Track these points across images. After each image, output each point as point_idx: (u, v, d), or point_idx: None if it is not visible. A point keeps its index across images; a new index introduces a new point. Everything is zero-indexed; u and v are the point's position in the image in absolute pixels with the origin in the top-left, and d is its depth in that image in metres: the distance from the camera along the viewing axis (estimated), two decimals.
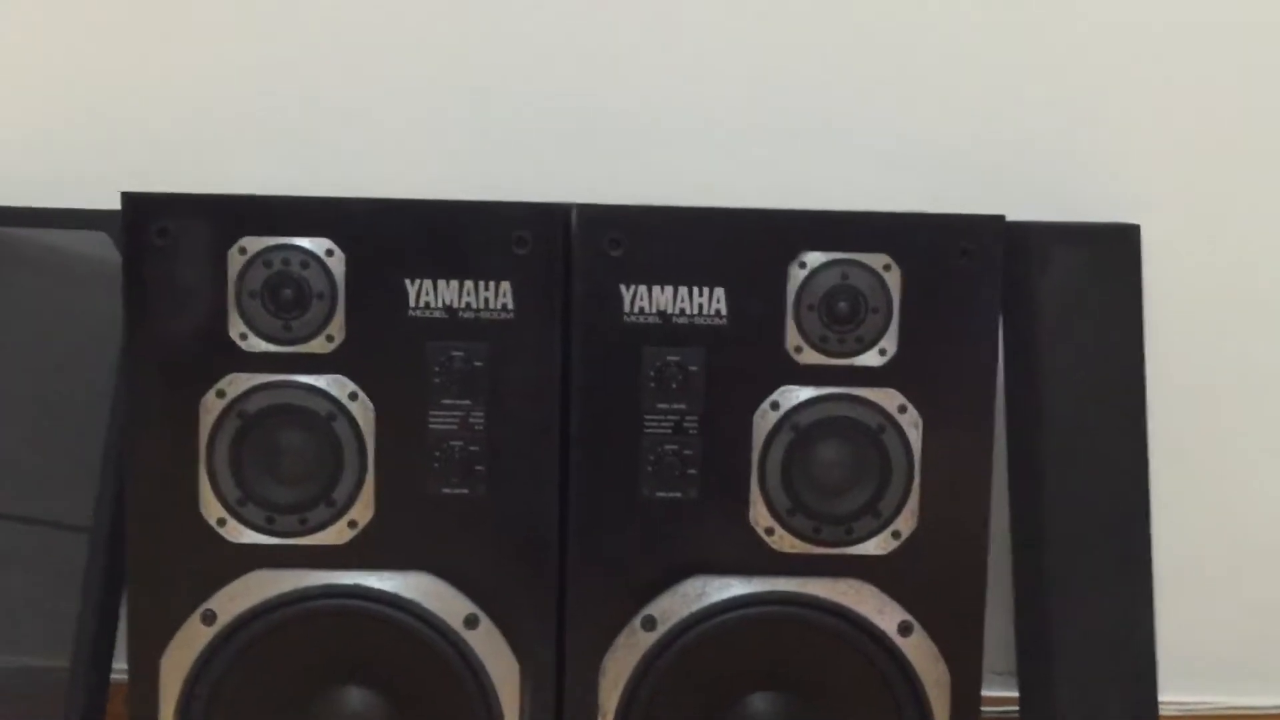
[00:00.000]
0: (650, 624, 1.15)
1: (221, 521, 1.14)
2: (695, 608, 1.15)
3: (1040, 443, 1.19)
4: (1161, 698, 1.42)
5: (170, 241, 1.12)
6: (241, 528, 1.14)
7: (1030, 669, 1.21)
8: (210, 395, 1.13)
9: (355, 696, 1.17)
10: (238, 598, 1.14)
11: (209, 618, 1.14)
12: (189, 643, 1.14)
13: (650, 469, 1.15)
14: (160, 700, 1.14)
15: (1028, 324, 1.18)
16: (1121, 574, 1.34)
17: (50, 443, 1.26)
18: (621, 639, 1.15)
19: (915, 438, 1.15)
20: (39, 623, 1.24)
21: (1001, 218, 1.15)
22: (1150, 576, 1.39)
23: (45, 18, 1.38)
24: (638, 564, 1.15)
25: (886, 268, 1.14)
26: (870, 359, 1.14)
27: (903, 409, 1.15)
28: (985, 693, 1.21)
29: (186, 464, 1.14)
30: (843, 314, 1.14)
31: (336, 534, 1.14)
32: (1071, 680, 1.21)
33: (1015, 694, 1.25)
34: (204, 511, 1.14)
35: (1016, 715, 1.26)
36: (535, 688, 1.16)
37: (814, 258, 1.14)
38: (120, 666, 1.22)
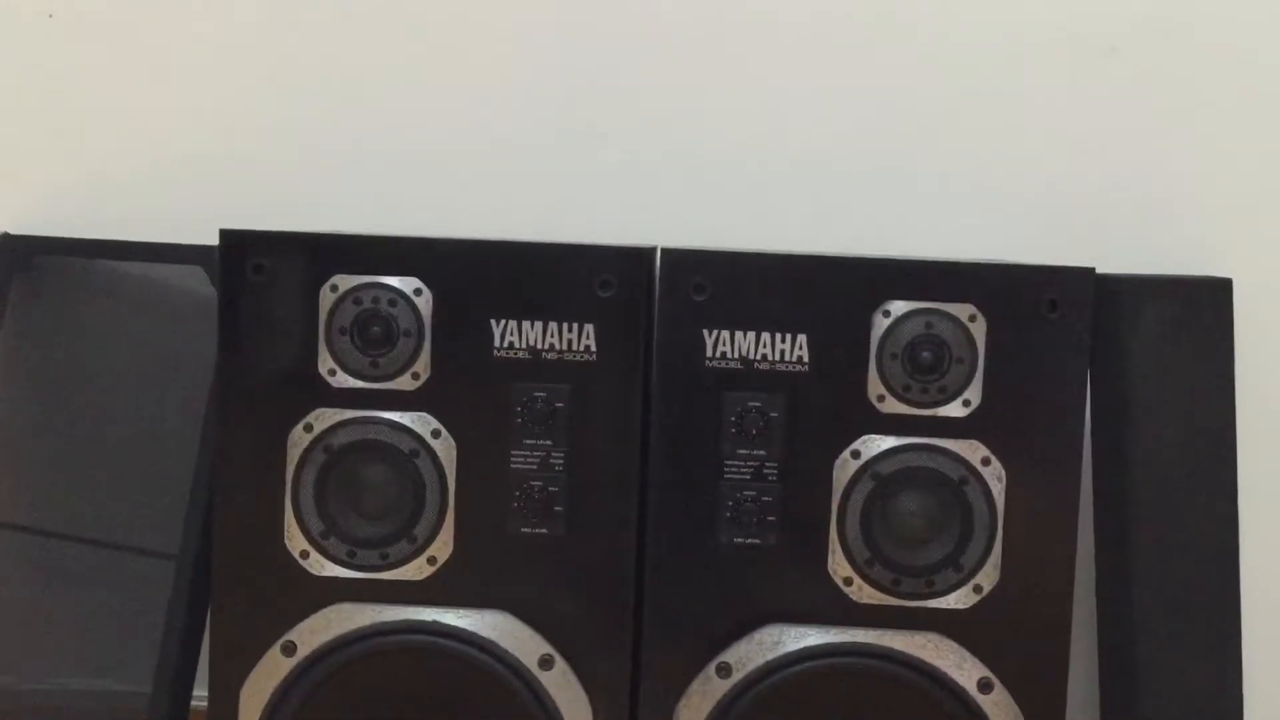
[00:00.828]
0: (725, 671, 1.14)
1: (305, 554, 1.16)
2: (771, 656, 1.14)
3: (1127, 499, 1.16)
4: None
5: (265, 277, 1.15)
6: (324, 561, 1.16)
7: None
8: (298, 429, 1.15)
9: None
10: (318, 630, 1.15)
11: (289, 649, 1.15)
12: (269, 673, 1.15)
13: (729, 515, 1.14)
14: None
15: (1116, 378, 1.16)
16: (1209, 634, 1.31)
17: (141, 471, 1.29)
18: (696, 685, 1.15)
19: (999, 491, 1.13)
20: (122, 647, 1.27)
21: (1091, 270, 1.13)
22: (1239, 638, 1.35)
23: (150, 55, 1.43)
24: (714, 610, 1.15)
25: (972, 318, 1.13)
26: (954, 410, 1.13)
27: (986, 461, 1.13)
28: None
29: (273, 496, 1.16)
30: (926, 364, 1.13)
31: (416, 570, 1.15)
32: None
33: None
34: (288, 544, 1.16)
35: None
36: None
37: (898, 306, 1.13)
38: (201, 694, 1.23)
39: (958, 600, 1.14)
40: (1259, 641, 1.38)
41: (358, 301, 1.15)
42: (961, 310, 1.13)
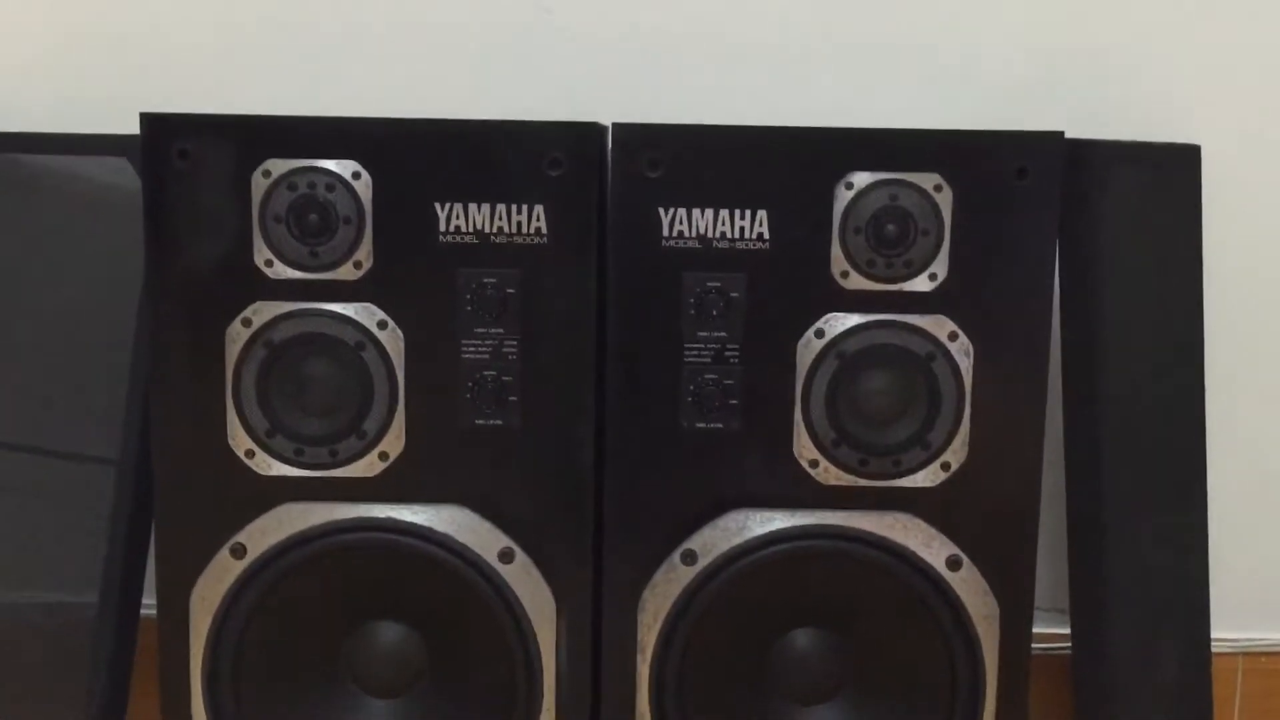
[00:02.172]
0: (690, 558, 1.12)
1: (250, 454, 1.11)
2: (736, 542, 1.12)
3: (1096, 370, 1.14)
4: (1213, 634, 1.39)
5: (192, 164, 1.09)
6: (270, 460, 1.12)
7: (1082, 604, 1.17)
8: (236, 324, 1.10)
9: (388, 631, 1.15)
10: (268, 531, 1.11)
11: (239, 551, 1.11)
12: (219, 576, 1.12)
13: (690, 399, 1.11)
14: (191, 634, 1.13)
15: (1085, 247, 1.13)
16: (1176, 507, 1.30)
17: (75, 375, 1.22)
18: (660, 574, 1.12)
19: (966, 366, 1.10)
20: (68, 557, 1.22)
21: (1060, 134, 1.09)
22: (1205, 510, 1.35)
23: None
24: (677, 497, 1.12)
25: (938, 188, 1.08)
26: (920, 284, 1.10)
27: (953, 336, 1.10)
28: (1036, 629, 1.18)
29: (213, 395, 1.11)
30: (891, 237, 1.09)
31: (367, 466, 1.11)
32: (1124, 616, 1.17)
33: (1066, 630, 1.22)
34: (232, 444, 1.11)
35: (1067, 652, 1.23)
36: (572, 623, 1.13)
37: (861, 178, 1.08)
38: (150, 602, 1.20)
39: (925, 479, 1.12)
40: (1224, 511, 1.38)
41: (292, 187, 1.08)
42: (927, 180, 1.08)
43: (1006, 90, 1.34)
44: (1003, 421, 1.11)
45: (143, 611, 1.24)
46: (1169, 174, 1.26)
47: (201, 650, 1.12)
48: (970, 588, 1.12)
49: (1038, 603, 1.18)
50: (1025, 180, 1.09)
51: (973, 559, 1.12)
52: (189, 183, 1.09)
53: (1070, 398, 1.16)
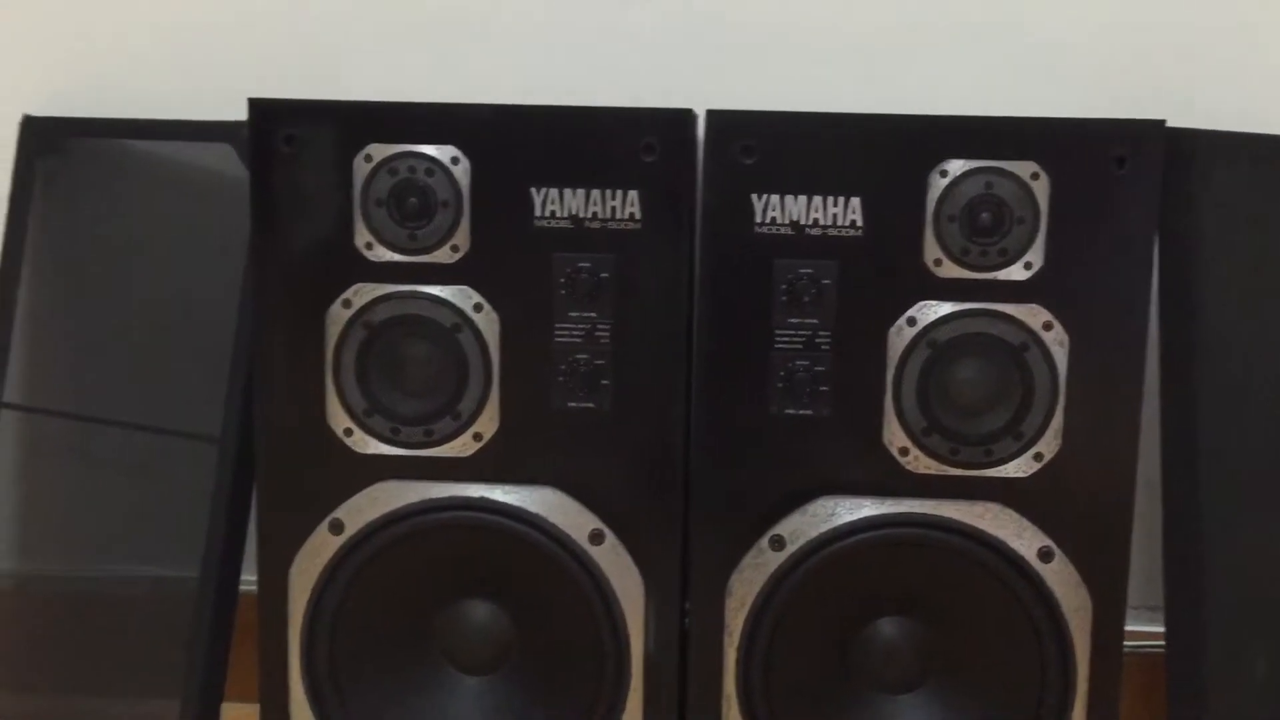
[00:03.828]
0: (778, 544, 1.12)
1: (348, 432, 1.14)
2: (825, 528, 1.12)
3: (1194, 364, 1.12)
4: None
5: (297, 149, 1.11)
6: (368, 439, 1.14)
7: (1178, 602, 1.15)
8: (336, 305, 1.12)
9: (479, 609, 1.17)
10: (365, 508, 1.14)
11: (337, 527, 1.14)
12: (318, 552, 1.14)
13: (780, 385, 1.11)
14: (289, 607, 1.16)
15: (1185, 238, 1.11)
16: (1273, 505, 1.28)
17: (180, 354, 1.27)
18: (748, 558, 1.13)
19: (1061, 356, 1.09)
20: (170, 533, 1.26)
21: (1161, 123, 1.08)
22: None
23: None
24: (766, 483, 1.12)
25: (1034, 176, 1.08)
26: (1015, 273, 1.09)
27: (1048, 326, 1.09)
28: (1130, 627, 1.16)
29: (314, 375, 1.14)
30: (986, 225, 1.08)
31: (461, 446, 1.13)
32: (1219, 615, 1.15)
33: (1159, 629, 1.20)
34: (331, 422, 1.14)
35: (1159, 650, 1.21)
36: (660, 605, 1.14)
37: (956, 166, 1.08)
38: (249, 577, 1.23)
39: (1017, 469, 1.11)
40: None
41: (393, 172, 1.11)
42: (1023, 168, 1.08)
43: (1105, 78, 1.32)
44: (1097, 413, 1.10)
45: (241, 587, 1.28)
46: (1271, 166, 1.23)
47: (299, 623, 1.15)
48: (1062, 580, 1.11)
49: (1131, 600, 1.16)
50: (1124, 169, 1.07)
51: (1065, 551, 1.11)
52: (294, 167, 1.12)
53: (1167, 391, 1.14)
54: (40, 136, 1.32)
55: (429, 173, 1.11)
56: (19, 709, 1.29)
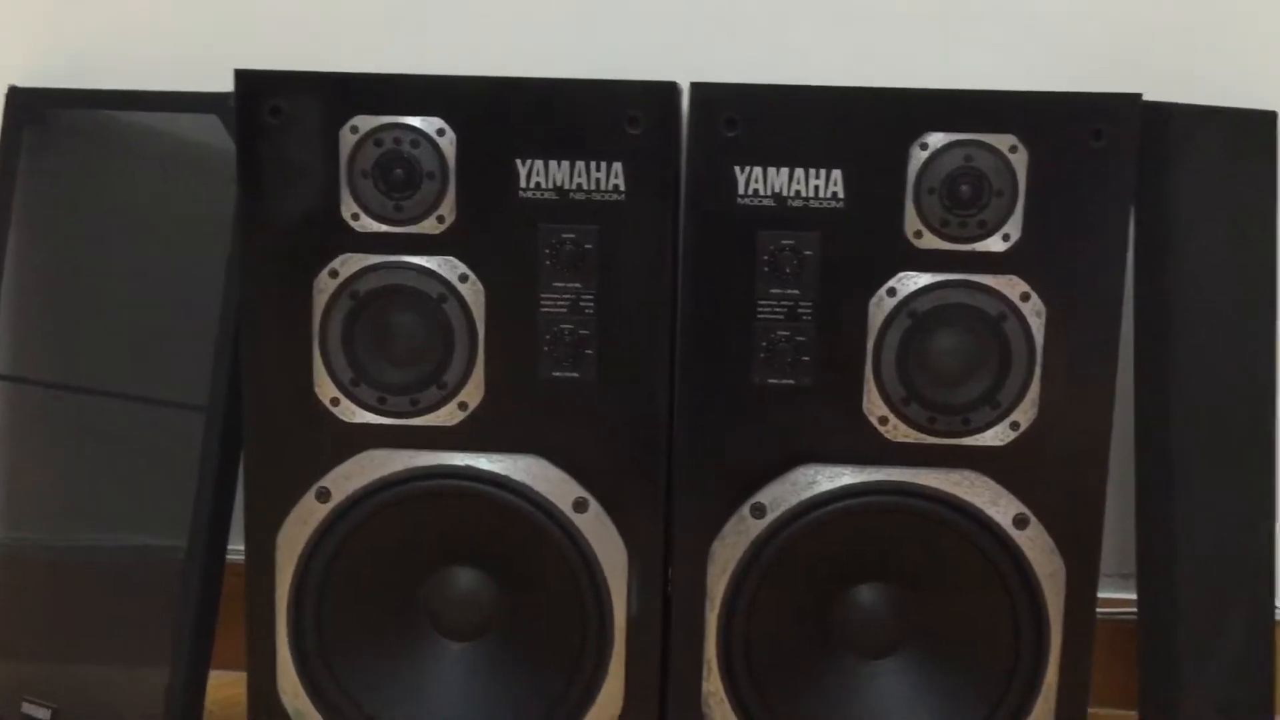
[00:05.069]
0: (759, 511, 1.14)
1: (335, 401, 1.15)
2: (805, 496, 1.14)
3: (1168, 335, 1.14)
4: (1278, 602, 1.38)
5: (283, 120, 1.12)
6: (354, 408, 1.15)
7: (1149, 569, 1.17)
8: (323, 275, 1.13)
9: (465, 576, 1.19)
10: (352, 476, 1.15)
11: (324, 495, 1.15)
12: (304, 519, 1.16)
13: (762, 355, 1.13)
14: (276, 575, 1.17)
15: (1160, 210, 1.13)
16: (1244, 475, 1.30)
17: (166, 324, 1.27)
18: (730, 526, 1.15)
19: (1038, 327, 1.11)
20: (157, 502, 1.27)
21: (1137, 96, 1.09)
22: (1274, 478, 1.34)
23: None
24: (748, 451, 1.14)
25: (1013, 149, 1.09)
26: (993, 244, 1.11)
27: (1025, 297, 1.11)
28: (1103, 594, 1.19)
29: (300, 344, 1.14)
30: (965, 197, 1.10)
31: (447, 415, 1.15)
32: (1190, 582, 1.18)
33: (1133, 596, 1.22)
34: (318, 391, 1.15)
35: (1133, 617, 1.24)
36: (643, 573, 1.16)
37: (936, 139, 1.10)
38: (236, 547, 1.24)
39: (994, 437, 1.13)
40: None
41: (379, 143, 1.12)
42: (1002, 141, 1.09)
43: (1083, 53, 1.33)
44: (1073, 382, 1.12)
45: (229, 556, 1.29)
46: (1246, 139, 1.25)
47: (286, 591, 1.17)
48: (1036, 546, 1.13)
49: (1104, 567, 1.19)
50: (1101, 142, 1.09)
51: (1040, 518, 1.13)
52: (280, 138, 1.12)
53: (1142, 361, 1.17)
54: (26, 108, 1.32)
55: (415, 144, 1.11)
56: (6, 678, 1.30)
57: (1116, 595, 1.39)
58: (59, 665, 1.30)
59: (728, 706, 1.17)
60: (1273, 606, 1.37)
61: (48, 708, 1.29)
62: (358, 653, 1.19)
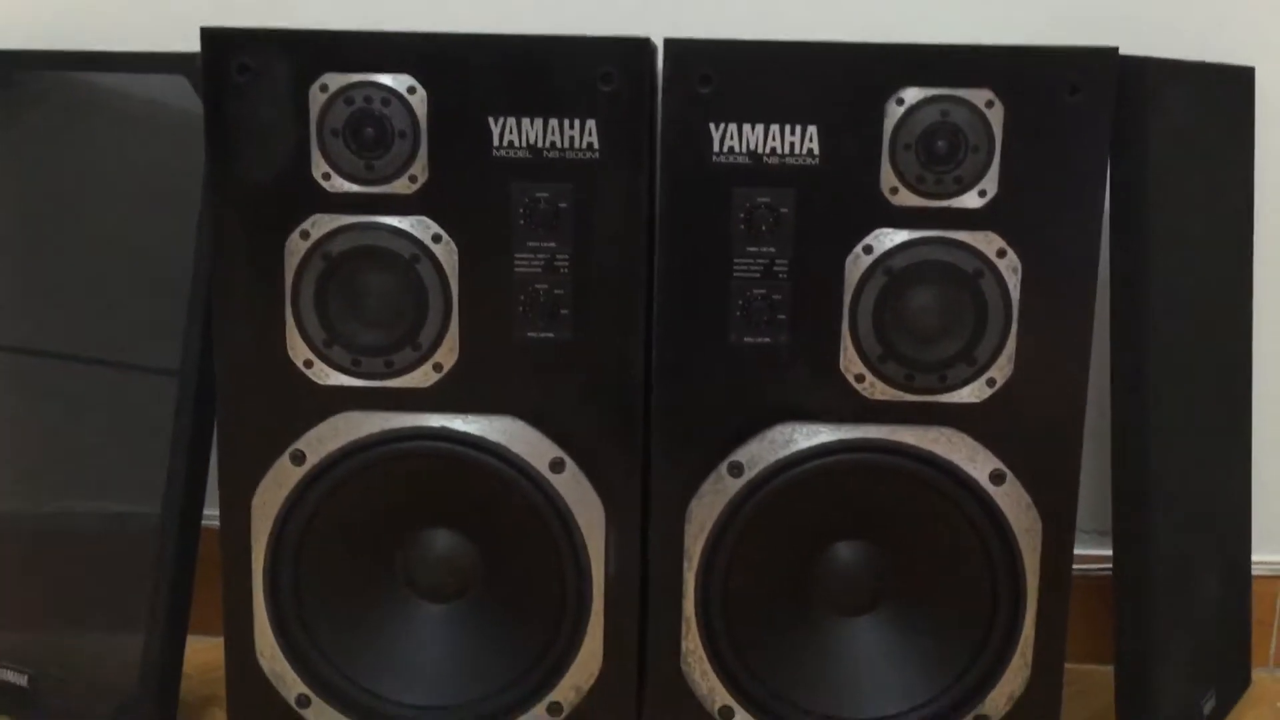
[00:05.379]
0: (737, 470, 1.14)
1: (308, 364, 1.14)
2: (782, 454, 1.14)
3: (1145, 290, 1.14)
4: (1254, 557, 1.40)
5: (251, 79, 1.10)
6: (328, 370, 1.14)
7: (1125, 524, 1.18)
8: (294, 237, 1.12)
9: (442, 538, 1.19)
10: (326, 439, 1.14)
11: (298, 458, 1.15)
12: (279, 483, 1.15)
13: (739, 314, 1.12)
14: (252, 539, 1.16)
15: (1136, 165, 1.12)
16: (1220, 430, 1.31)
17: (137, 289, 1.26)
18: (708, 485, 1.15)
19: (1014, 283, 1.11)
20: (130, 468, 1.26)
21: (1114, 50, 1.08)
22: (1249, 433, 1.35)
23: None
24: (724, 410, 1.14)
25: (989, 104, 1.08)
26: (969, 200, 1.10)
27: (1002, 253, 1.10)
28: (1079, 551, 1.19)
29: (272, 306, 1.13)
30: (941, 153, 1.09)
31: (422, 377, 1.14)
32: (1166, 536, 1.18)
33: (1109, 552, 1.23)
34: (291, 354, 1.14)
35: (1109, 573, 1.24)
36: (621, 533, 1.16)
37: (912, 94, 1.09)
38: (211, 513, 1.23)
39: (971, 394, 1.13)
40: (1268, 434, 1.38)
41: (349, 101, 1.10)
42: (978, 96, 1.08)
43: (1059, 6, 1.33)
44: (1049, 338, 1.12)
45: (205, 523, 1.27)
46: (1222, 94, 1.25)
47: (263, 554, 1.16)
48: (1013, 502, 1.14)
49: (1081, 524, 1.19)
50: (1077, 97, 1.08)
51: (1016, 474, 1.13)
52: (248, 97, 1.11)
53: (1117, 316, 1.16)
54: None
55: (385, 102, 1.10)
56: None
57: (1094, 552, 1.40)
58: (35, 632, 1.30)
59: (707, 664, 1.17)
60: (1249, 560, 1.39)
61: (24, 673, 1.29)
62: (335, 615, 1.19)
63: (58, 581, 1.30)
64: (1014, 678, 1.17)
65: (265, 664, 1.19)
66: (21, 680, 1.29)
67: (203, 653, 1.35)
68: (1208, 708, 1.31)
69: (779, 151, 1.10)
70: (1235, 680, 1.39)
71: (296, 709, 1.19)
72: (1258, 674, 1.44)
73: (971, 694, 1.17)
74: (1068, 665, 1.19)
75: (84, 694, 1.27)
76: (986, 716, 1.18)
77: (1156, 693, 1.18)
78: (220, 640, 1.21)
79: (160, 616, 1.23)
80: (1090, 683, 1.40)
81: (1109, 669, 1.23)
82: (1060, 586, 1.16)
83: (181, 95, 1.23)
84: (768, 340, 1.13)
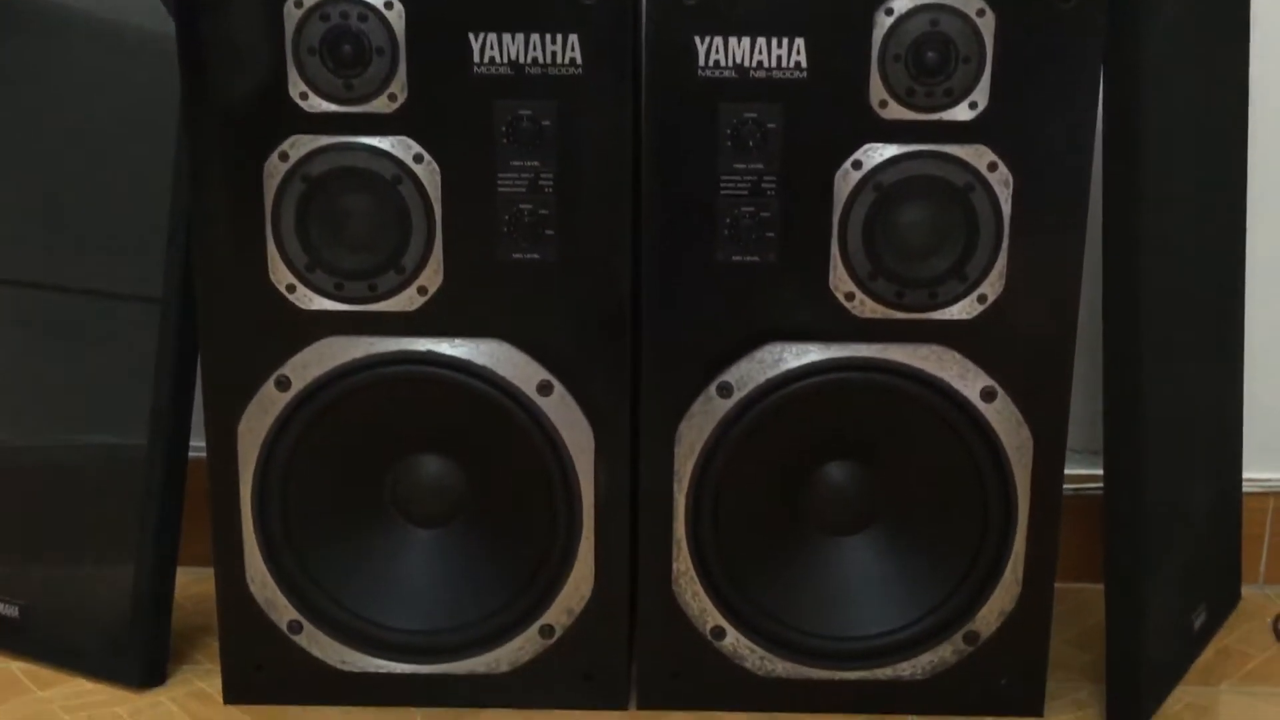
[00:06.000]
0: (726, 391, 1.13)
1: (291, 288, 1.13)
2: (772, 374, 1.13)
3: (1137, 203, 1.12)
4: (1245, 474, 1.39)
5: None
6: (311, 294, 1.13)
7: (1116, 441, 1.17)
8: (273, 159, 1.10)
9: (430, 463, 1.18)
10: (310, 364, 1.13)
11: (283, 383, 1.13)
12: (265, 409, 1.14)
13: (726, 232, 1.10)
14: (240, 465, 1.16)
15: (1130, 75, 1.10)
16: (1212, 347, 1.30)
17: (115, 216, 1.24)
18: (697, 406, 1.14)
19: (1005, 197, 1.09)
20: (116, 399, 1.25)
21: None
22: (1241, 351, 1.35)
23: None
24: (713, 330, 1.13)
25: (980, 13, 1.06)
26: (960, 113, 1.08)
27: (993, 167, 1.09)
28: (1070, 470, 1.19)
29: (253, 230, 1.12)
30: (932, 65, 1.07)
31: (407, 300, 1.13)
32: (1158, 454, 1.18)
33: (1099, 471, 1.23)
34: (273, 278, 1.13)
35: (1099, 493, 1.24)
36: (610, 455, 1.15)
37: (901, 3, 1.06)
38: (198, 444, 1.23)
39: (961, 311, 1.12)
40: (1260, 353, 1.38)
41: (325, 18, 1.07)
42: (969, 4, 1.06)
43: None
44: (1041, 254, 1.11)
45: (193, 454, 1.26)
46: (1215, 1, 1.23)
47: (250, 481, 1.15)
48: (1004, 419, 1.13)
49: (1072, 444, 1.19)
50: (1070, 4, 1.06)
51: (1007, 391, 1.13)
52: (221, 16, 1.08)
53: (1110, 230, 1.15)
54: None
55: (362, 18, 1.07)
56: None
57: (1085, 471, 1.40)
58: (25, 564, 1.29)
59: (698, 585, 1.17)
60: (1240, 477, 1.39)
61: (15, 605, 1.28)
62: (325, 541, 1.19)
63: (47, 513, 1.29)
64: (1004, 595, 1.17)
65: (256, 590, 1.19)
66: (13, 612, 1.29)
67: (196, 584, 1.35)
68: (1198, 624, 1.32)
69: (766, 65, 1.08)
70: (1225, 596, 1.40)
71: (288, 634, 1.19)
72: (1248, 590, 1.45)
73: (963, 611, 1.18)
74: (1058, 583, 1.19)
75: (76, 625, 1.27)
76: (977, 633, 1.18)
77: (1147, 609, 1.18)
78: (210, 571, 1.20)
79: (149, 546, 1.23)
80: (1080, 600, 1.40)
81: (1099, 587, 1.23)
82: (1052, 503, 1.16)
83: (155, 16, 1.20)
84: (756, 259, 1.11)
